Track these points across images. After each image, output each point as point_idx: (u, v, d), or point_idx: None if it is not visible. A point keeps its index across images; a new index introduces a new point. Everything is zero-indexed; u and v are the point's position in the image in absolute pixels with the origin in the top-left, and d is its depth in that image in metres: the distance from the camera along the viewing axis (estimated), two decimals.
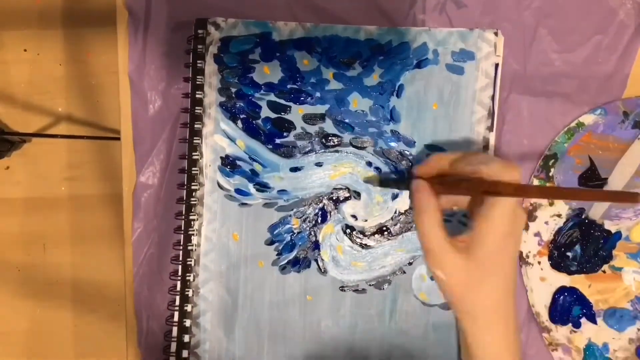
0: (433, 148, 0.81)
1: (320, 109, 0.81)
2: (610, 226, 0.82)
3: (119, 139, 0.84)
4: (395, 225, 0.82)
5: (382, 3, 0.81)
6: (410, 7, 0.81)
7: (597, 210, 0.82)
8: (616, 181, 0.82)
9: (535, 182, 0.82)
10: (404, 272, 0.82)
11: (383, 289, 0.83)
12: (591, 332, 0.83)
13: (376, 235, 0.82)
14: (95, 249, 1.91)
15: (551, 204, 0.82)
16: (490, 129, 0.81)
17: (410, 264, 0.82)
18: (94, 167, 1.90)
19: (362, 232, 0.82)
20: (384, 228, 0.82)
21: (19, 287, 1.94)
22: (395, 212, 0.82)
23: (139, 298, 0.84)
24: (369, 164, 0.81)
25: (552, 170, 0.82)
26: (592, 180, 0.82)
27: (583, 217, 0.82)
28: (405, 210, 0.82)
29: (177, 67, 0.81)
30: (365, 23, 0.80)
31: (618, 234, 0.82)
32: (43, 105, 1.88)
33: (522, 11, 0.81)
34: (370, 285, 0.82)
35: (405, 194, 0.82)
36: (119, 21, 0.82)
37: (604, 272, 0.83)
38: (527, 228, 0.83)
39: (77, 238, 1.91)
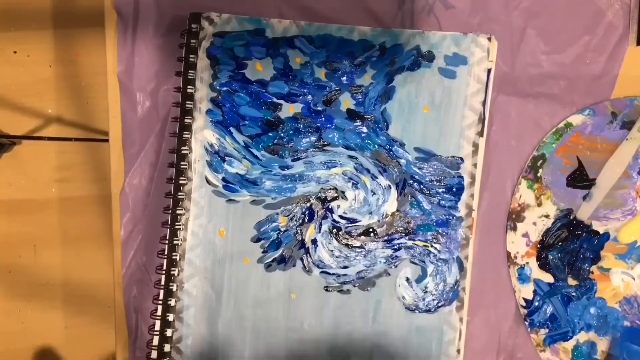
0: (422, 151, 0.81)
1: (311, 107, 0.81)
2: (599, 227, 0.82)
3: (108, 140, 0.84)
4: (382, 227, 0.82)
5: (370, 3, 0.81)
6: (398, 7, 0.81)
7: (585, 210, 0.82)
8: (604, 182, 0.82)
9: (524, 183, 0.82)
10: (389, 275, 0.82)
11: (367, 290, 0.82)
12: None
13: (362, 237, 0.82)
14: (86, 250, 1.91)
15: (539, 205, 0.82)
16: (480, 134, 0.81)
17: (395, 266, 0.82)
18: (84, 168, 1.90)
19: (349, 233, 0.82)
20: (371, 229, 0.82)
21: (9, 289, 1.94)
22: (382, 214, 0.82)
23: (128, 298, 0.84)
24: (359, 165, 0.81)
25: (541, 170, 0.82)
26: (580, 181, 0.82)
27: (571, 217, 0.82)
28: (393, 213, 0.82)
29: (167, 68, 0.81)
30: (352, 23, 0.80)
31: (606, 235, 0.83)
32: (33, 107, 1.88)
33: (511, 12, 0.81)
34: (354, 286, 0.82)
35: (393, 196, 0.82)
36: (107, 22, 0.82)
37: (592, 272, 0.83)
38: (515, 229, 0.82)
39: (68, 239, 1.92)
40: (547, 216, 0.83)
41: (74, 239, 1.92)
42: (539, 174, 0.82)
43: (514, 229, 0.83)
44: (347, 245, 0.82)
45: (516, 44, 0.82)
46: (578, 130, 0.82)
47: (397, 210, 0.82)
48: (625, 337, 0.83)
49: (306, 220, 0.82)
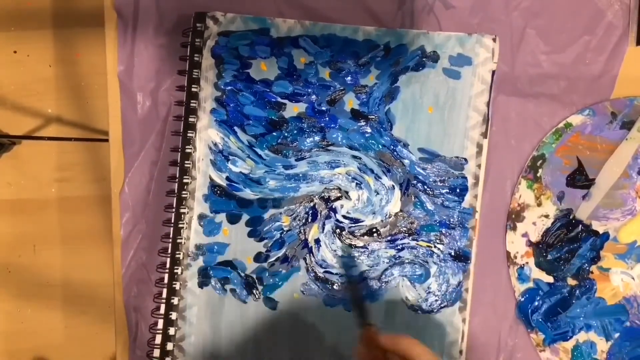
0: (426, 152, 0.81)
1: (315, 107, 0.81)
2: (598, 227, 0.83)
3: (107, 140, 0.83)
4: (385, 227, 0.82)
5: (370, 3, 0.81)
6: (398, 7, 0.81)
7: (584, 210, 0.82)
8: (604, 182, 0.82)
9: (524, 183, 0.82)
10: (393, 274, 0.82)
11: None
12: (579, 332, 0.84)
13: (365, 237, 0.82)
14: (85, 249, 1.91)
15: (539, 205, 0.82)
16: (484, 135, 0.81)
17: (398, 265, 0.82)
18: (83, 168, 1.90)
19: (352, 233, 0.82)
20: (374, 230, 0.82)
21: (9, 288, 1.94)
22: (385, 215, 0.82)
23: (128, 298, 0.83)
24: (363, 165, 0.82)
25: (540, 170, 0.82)
26: (580, 181, 0.82)
27: (570, 217, 0.82)
28: (396, 213, 0.82)
29: (167, 67, 0.81)
30: (352, 23, 0.81)
31: (606, 235, 0.83)
32: (33, 107, 1.88)
33: (511, 12, 0.81)
34: (358, 285, 0.82)
35: (397, 197, 0.82)
36: (107, 22, 0.82)
37: (592, 272, 0.83)
38: (515, 229, 0.83)
39: (67, 239, 1.91)
40: (546, 216, 0.83)
41: (74, 239, 1.92)
42: (538, 174, 0.82)
43: (514, 228, 0.83)
44: (350, 245, 0.82)
45: (516, 44, 0.82)
46: (578, 130, 0.82)
47: (401, 211, 0.82)
48: (625, 337, 0.83)
49: (309, 220, 0.82)
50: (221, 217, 0.81)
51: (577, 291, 0.83)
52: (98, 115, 1.88)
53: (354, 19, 0.81)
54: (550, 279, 0.83)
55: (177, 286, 0.81)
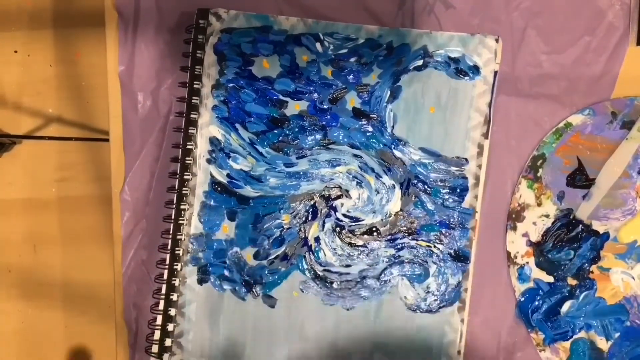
0: (427, 152, 0.81)
1: (317, 105, 0.81)
2: (598, 227, 0.83)
3: (108, 140, 0.83)
4: (385, 226, 0.82)
5: (370, 3, 0.81)
6: (398, 7, 0.81)
7: (584, 210, 0.82)
8: (604, 182, 0.82)
9: (524, 183, 0.82)
10: (392, 274, 0.82)
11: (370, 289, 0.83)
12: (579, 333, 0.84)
13: (365, 236, 0.82)
14: (86, 249, 1.90)
15: (539, 205, 0.82)
16: (485, 135, 0.81)
17: (398, 265, 0.82)
18: (84, 168, 1.89)
19: (352, 231, 0.82)
20: (374, 229, 0.82)
21: (10, 288, 1.94)
22: (386, 214, 0.82)
23: (128, 298, 0.84)
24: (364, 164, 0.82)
25: (541, 170, 0.82)
26: (580, 181, 0.82)
27: (571, 217, 0.82)
28: (396, 212, 0.82)
29: (168, 67, 0.82)
30: (352, 22, 0.80)
31: (606, 235, 0.83)
32: (34, 107, 1.88)
33: (511, 12, 0.81)
34: (357, 284, 0.82)
35: (397, 196, 0.82)
36: (107, 22, 0.82)
37: (592, 272, 0.83)
38: (515, 229, 0.83)
39: (68, 239, 1.91)
40: (547, 216, 0.83)
41: (74, 239, 1.91)
42: (539, 174, 0.82)
43: (514, 228, 0.83)
44: (350, 244, 0.82)
45: (516, 44, 0.82)
46: (578, 130, 0.82)
47: (401, 210, 0.82)
48: (625, 337, 0.83)
49: (309, 218, 0.82)
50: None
51: (578, 291, 0.83)
52: (98, 115, 1.88)
53: (354, 18, 0.81)
54: (550, 279, 0.83)
55: (176, 282, 0.81)
